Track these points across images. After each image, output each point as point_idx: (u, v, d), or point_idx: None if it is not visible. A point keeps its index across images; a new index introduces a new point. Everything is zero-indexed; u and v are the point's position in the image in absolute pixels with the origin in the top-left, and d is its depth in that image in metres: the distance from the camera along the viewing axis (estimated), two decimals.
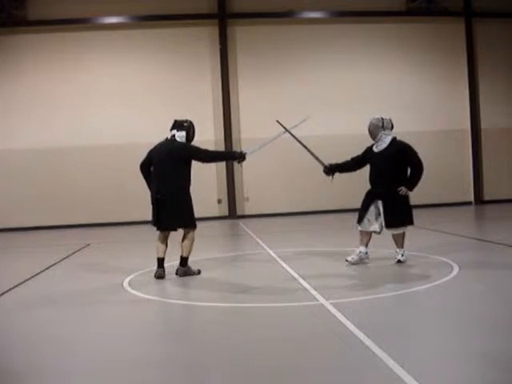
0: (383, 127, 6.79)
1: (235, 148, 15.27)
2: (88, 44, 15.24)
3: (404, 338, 3.91)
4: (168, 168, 6.52)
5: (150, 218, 6.63)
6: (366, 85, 16.10)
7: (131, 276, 6.82)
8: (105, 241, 11.96)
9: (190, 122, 6.78)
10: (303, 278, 6.11)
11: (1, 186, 15.00)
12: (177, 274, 6.65)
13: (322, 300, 5.06)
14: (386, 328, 4.23)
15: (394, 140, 6.83)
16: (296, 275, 6.35)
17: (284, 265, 7.10)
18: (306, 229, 12.41)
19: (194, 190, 6.65)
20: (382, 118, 6.83)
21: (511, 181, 16.67)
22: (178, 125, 6.73)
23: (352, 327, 4.13)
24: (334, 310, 4.66)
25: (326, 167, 7.17)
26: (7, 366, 3.78)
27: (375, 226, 6.85)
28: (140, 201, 15.38)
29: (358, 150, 7.21)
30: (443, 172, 16.53)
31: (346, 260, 6.94)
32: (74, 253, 9.50)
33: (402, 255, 6.84)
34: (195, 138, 6.81)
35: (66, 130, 15.05)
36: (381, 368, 3.30)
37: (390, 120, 6.91)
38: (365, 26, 16.14)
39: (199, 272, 6.79)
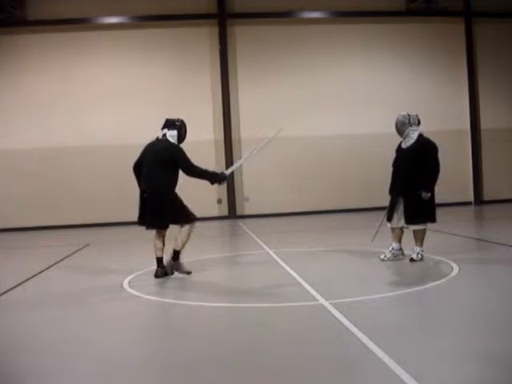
0: (410, 123, 6.85)
1: (235, 148, 15.34)
2: (88, 44, 15.24)
3: (404, 338, 3.91)
4: (154, 168, 6.49)
5: None
6: (366, 85, 16.09)
7: (131, 276, 6.82)
8: (105, 241, 11.96)
9: (182, 121, 6.69)
10: (303, 278, 6.11)
11: (1, 186, 14.99)
12: (164, 267, 6.56)
13: (321, 300, 5.06)
14: (385, 328, 4.22)
15: (419, 136, 6.88)
16: (296, 275, 6.35)
17: (284, 265, 7.10)
18: (305, 229, 12.40)
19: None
20: (409, 115, 6.89)
21: (511, 181, 16.67)
22: (169, 124, 6.63)
23: (352, 327, 4.12)
24: (333, 310, 4.65)
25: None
26: (7, 367, 3.78)
27: (403, 222, 6.90)
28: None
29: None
30: (443, 172, 16.36)
31: (380, 258, 6.99)
32: (73, 253, 9.50)
33: (418, 254, 6.86)
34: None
35: (65, 130, 15.04)
36: (381, 368, 3.30)
37: (417, 116, 6.95)
38: (364, 26, 16.14)
39: (189, 273, 6.58)
